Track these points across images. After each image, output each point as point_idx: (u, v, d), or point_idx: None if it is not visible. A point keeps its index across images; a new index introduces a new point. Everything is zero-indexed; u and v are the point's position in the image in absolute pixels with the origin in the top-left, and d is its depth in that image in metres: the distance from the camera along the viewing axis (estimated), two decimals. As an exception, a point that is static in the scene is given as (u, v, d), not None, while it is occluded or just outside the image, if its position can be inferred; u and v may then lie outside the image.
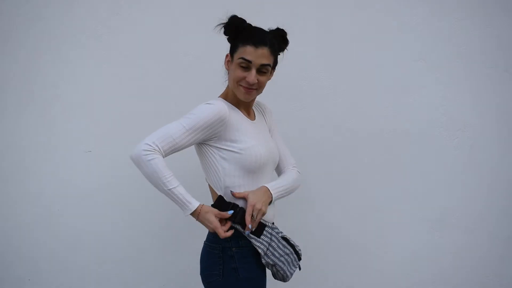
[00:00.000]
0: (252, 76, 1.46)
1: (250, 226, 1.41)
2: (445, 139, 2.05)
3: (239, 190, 1.48)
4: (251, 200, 1.42)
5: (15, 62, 2.16)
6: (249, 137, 1.48)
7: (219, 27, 1.54)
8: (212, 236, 1.50)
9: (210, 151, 1.48)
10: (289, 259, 1.50)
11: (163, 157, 1.40)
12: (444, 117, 2.05)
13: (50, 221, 2.16)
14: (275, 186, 1.52)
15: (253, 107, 1.63)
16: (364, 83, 2.07)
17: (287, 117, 2.04)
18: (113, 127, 2.14)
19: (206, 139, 1.46)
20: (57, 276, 2.17)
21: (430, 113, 2.05)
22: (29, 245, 2.17)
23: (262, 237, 1.45)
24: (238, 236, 1.45)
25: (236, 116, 1.50)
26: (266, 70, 1.49)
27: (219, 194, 1.48)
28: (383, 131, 2.06)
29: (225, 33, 1.54)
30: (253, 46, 1.45)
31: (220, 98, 1.56)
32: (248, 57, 1.45)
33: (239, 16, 1.53)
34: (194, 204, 1.40)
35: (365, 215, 2.08)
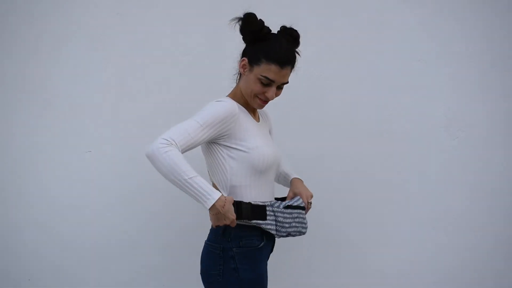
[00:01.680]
0: (271, 92, 1.46)
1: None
2: (445, 139, 2.05)
3: (246, 189, 1.47)
4: (305, 192, 1.59)
5: (15, 62, 2.16)
6: (256, 137, 1.48)
7: (234, 22, 1.48)
8: (213, 236, 1.50)
9: (219, 150, 1.48)
10: (298, 220, 1.52)
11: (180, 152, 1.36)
12: (444, 117, 2.05)
13: (50, 221, 2.16)
14: (296, 174, 1.67)
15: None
16: (364, 83, 2.07)
17: (287, 117, 2.05)
18: (113, 127, 2.14)
19: (217, 137, 1.45)
20: (57, 276, 2.17)
21: (430, 113, 2.05)
22: (29, 245, 2.17)
23: (267, 218, 1.46)
24: (238, 237, 1.45)
25: (244, 116, 1.50)
26: (283, 86, 1.51)
27: (224, 194, 1.48)
28: (383, 131, 2.06)
29: (241, 33, 1.49)
30: (279, 66, 1.43)
31: (228, 97, 1.54)
32: (272, 77, 1.44)
33: (256, 17, 1.46)
34: (218, 194, 1.35)
35: (365, 215, 2.08)
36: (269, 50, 1.44)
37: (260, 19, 1.47)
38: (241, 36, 1.50)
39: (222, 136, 1.45)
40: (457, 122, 2.04)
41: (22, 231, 2.17)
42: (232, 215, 1.37)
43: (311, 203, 1.61)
